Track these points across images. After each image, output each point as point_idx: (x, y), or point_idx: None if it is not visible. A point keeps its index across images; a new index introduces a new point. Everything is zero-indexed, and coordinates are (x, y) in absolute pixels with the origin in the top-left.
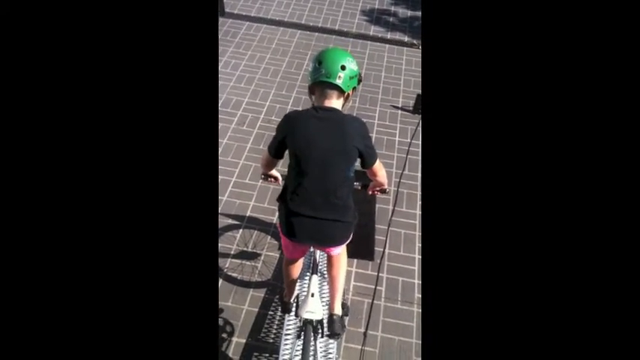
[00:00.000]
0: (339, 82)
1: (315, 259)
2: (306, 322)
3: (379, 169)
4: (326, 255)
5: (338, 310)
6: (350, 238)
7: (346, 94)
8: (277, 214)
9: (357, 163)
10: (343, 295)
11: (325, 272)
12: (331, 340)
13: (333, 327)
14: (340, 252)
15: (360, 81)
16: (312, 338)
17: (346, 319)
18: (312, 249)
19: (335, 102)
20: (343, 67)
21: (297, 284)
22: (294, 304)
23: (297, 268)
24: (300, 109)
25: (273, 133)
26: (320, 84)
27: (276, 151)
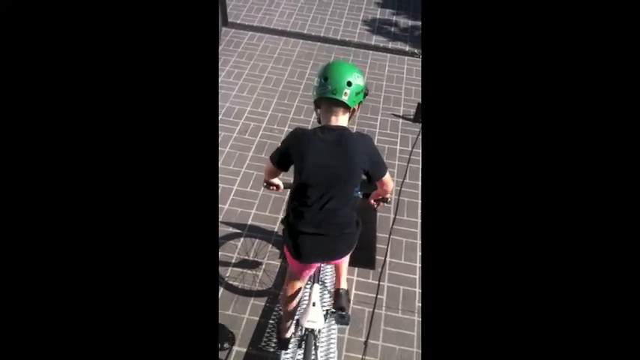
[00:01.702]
0: (345, 98)
1: (317, 268)
2: (307, 332)
3: (388, 181)
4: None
5: (344, 285)
6: (355, 245)
7: (352, 109)
8: (279, 224)
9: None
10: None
11: (326, 282)
12: (332, 350)
13: (340, 301)
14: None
15: (366, 94)
16: (312, 348)
17: (347, 327)
18: None
19: (341, 118)
20: (349, 84)
21: (297, 298)
22: (291, 339)
23: (296, 299)
24: (301, 117)
25: (275, 142)
26: (326, 99)
27: (280, 165)
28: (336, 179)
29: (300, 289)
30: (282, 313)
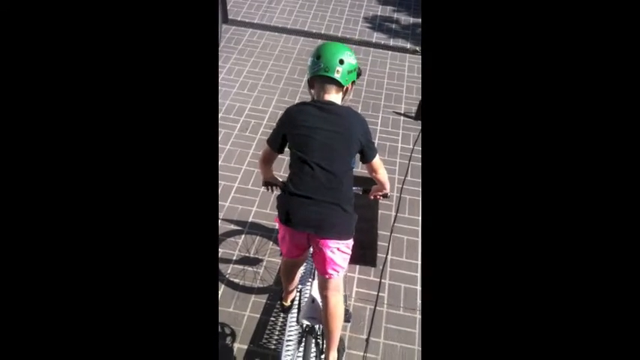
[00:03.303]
0: (337, 76)
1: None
2: (307, 329)
3: (379, 165)
4: (319, 279)
5: (333, 357)
6: (352, 238)
7: (345, 87)
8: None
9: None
10: (345, 302)
11: None
12: None
13: None
14: (337, 280)
15: (359, 74)
16: (313, 344)
17: (348, 325)
18: (311, 250)
19: (334, 96)
20: (342, 62)
21: (297, 289)
22: (295, 307)
23: (294, 272)
24: None
25: None
26: (319, 78)
27: (276, 144)
28: (332, 140)
29: (296, 267)
30: (282, 283)
